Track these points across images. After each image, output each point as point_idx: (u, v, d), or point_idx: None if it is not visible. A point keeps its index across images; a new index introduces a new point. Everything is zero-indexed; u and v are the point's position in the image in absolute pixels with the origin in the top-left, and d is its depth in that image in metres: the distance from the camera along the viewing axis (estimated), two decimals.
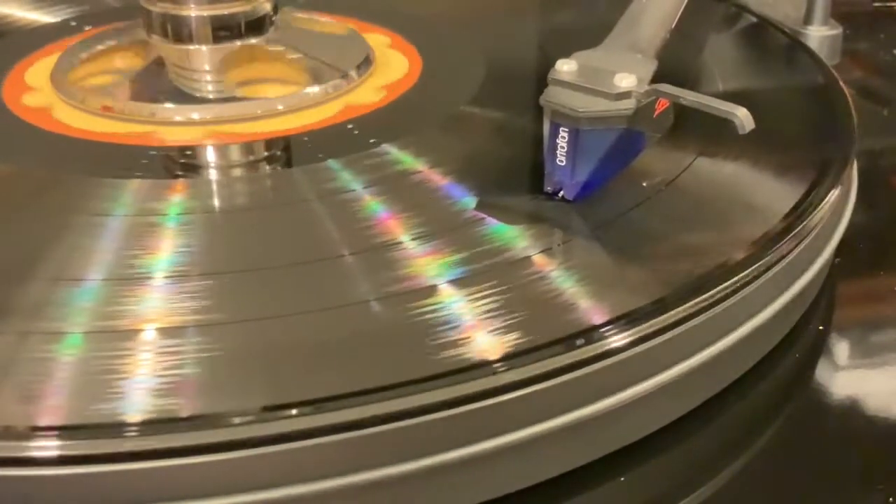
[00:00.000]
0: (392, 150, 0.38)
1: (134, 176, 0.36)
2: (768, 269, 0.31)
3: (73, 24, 0.51)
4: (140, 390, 0.26)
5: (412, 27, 0.49)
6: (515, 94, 0.43)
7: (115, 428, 0.25)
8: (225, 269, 0.31)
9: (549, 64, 0.34)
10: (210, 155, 0.39)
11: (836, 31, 0.54)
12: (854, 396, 0.33)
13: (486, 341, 0.27)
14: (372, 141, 0.38)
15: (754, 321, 0.31)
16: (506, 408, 0.27)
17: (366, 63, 0.45)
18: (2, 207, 0.35)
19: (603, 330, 0.28)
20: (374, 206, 0.34)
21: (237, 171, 0.40)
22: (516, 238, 0.32)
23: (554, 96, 0.33)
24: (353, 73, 0.44)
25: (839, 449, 0.31)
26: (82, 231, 0.33)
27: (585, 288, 0.29)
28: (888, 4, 0.63)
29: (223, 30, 0.43)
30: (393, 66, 0.46)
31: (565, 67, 0.34)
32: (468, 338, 0.28)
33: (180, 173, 0.38)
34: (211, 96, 0.43)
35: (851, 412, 0.32)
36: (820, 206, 0.34)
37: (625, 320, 0.28)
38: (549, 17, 0.54)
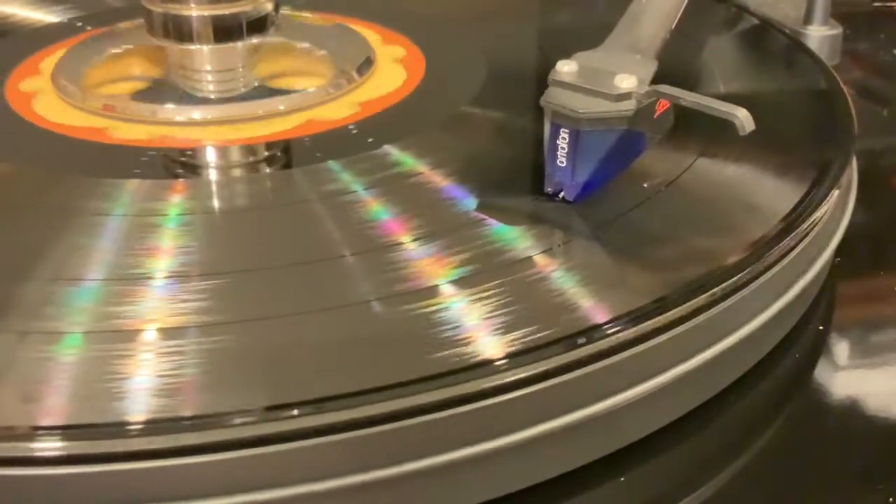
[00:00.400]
0: (393, 151, 0.38)
1: (134, 176, 0.36)
2: (768, 269, 0.31)
3: (80, 24, 0.51)
4: (139, 391, 0.26)
5: (412, 27, 0.49)
6: (516, 94, 0.43)
7: (116, 428, 0.25)
8: (225, 269, 0.31)
9: (550, 64, 0.34)
10: (210, 155, 0.40)
11: (836, 31, 0.54)
12: (854, 396, 0.33)
13: (486, 341, 0.28)
14: (371, 141, 0.38)
15: (754, 321, 0.31)
16: (506, 408, 0.27)
17: (366, 64, 0.45)
18: (2, 207, 0.35)
19: (603, 329, 0.28)
20: (375, 207, 0.34)
21: (237, 172, 0.40)
22: (517, 239, 0.32)
23: (554, 97, 0.33)
24: (353, 74, 0.44)
25: (839, 449, 0.31)
26: (82, 231, 0.33)
27: (586, 288, 0.30)
28: (888, 4, 0.63)
29: (224, 30, 0.43)
30: (393, 67, 0.46)
31: (566, 68, 0.34)
32: (469, 338, 0.28)
33: (180, 174, 0.38)
34: (212, 97, 0.43)
35: (851, 412, 0.32)
36: (820, 207, 0.34)
37: (625, 320, 0.28)
38: (550, 18, 0.54)
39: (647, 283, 0.30)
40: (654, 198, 0.34)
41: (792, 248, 0.32)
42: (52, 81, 0.44)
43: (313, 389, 0.26)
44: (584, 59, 0.34)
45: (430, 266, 0.31)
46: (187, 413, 0.25)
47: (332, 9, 0.51)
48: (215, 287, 0.30)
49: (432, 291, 0.30)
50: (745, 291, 0.31)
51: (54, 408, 0.26)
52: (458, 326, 0.28)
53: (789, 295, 0.33)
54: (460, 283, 0.30)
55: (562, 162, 0.33)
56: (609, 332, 0.28)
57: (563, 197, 0.34)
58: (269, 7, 0.45)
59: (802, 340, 0.35)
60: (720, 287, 0.30)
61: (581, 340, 0.27)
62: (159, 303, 0.29)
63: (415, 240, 0.32)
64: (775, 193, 0.35)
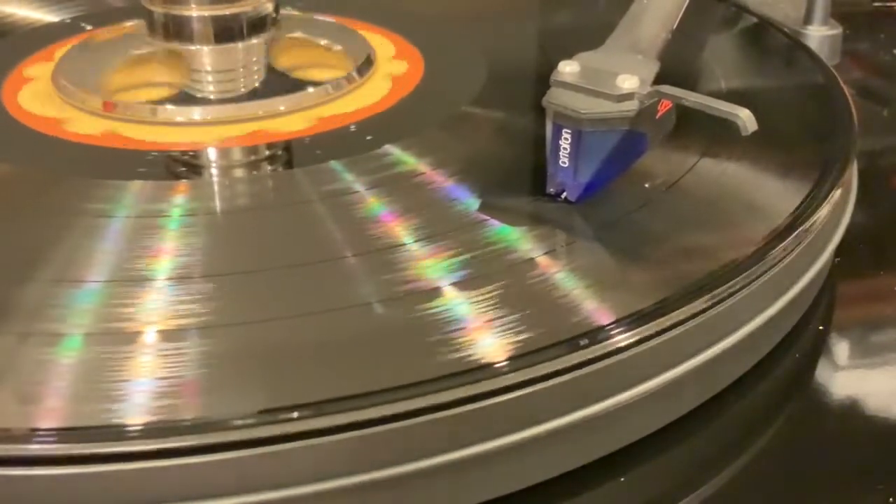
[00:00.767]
0: (394, 151, 0.38)
1: (135, 177, 0.36)
2: (769, 269, 0.31)
3: (84, 25, 0.51)
4: (140, 392, 0.26)
5: (413, 27, 0.49)
6: (517, 95, 0.43)
7: (116, 430, 0.25)
8: (226, 270, 0.31)
9: (551, 65, 0.34)
10: (212, 156, 0.40)
11: (836, 31, 0.54)
12: (854, 396, 0.33)
13: (487, 343, 0.28)
14: (372, 141, 0.38)
15: (755, 321, 0.32)
16: (507, 408, 0.27)
17: (366, 64, 0.45)
18: (3, 208, 0.35)
19: (605, 331, 0.28)
20: (377, 207, 0.34)
21: (239, 172, 0.40)
22: (519, 239, 0.32)
23: (556, 98, 0.33)
24: (354, 74, 0.44)
25: (839, 449, 0.31)
26: (83, 232, 0.33)
27: (588, 289, 0.30)
28: (888, 4, 0.63)
29: (225, 30, 0.43)
30: (394, 67, 0.46)
31: (567, 69, 0.34)
32: (469, 339, 0.28)
33: (182, 174, 0.38)
34: (213, 97, 0.43)
35: (851, 412, 0.33)
36: (820, 207, 0.34)
37: (627, 321, 0.28)
38: (551, 18, 0.54)
39: (649, 284, 0.30)
40: (656, 199, 0.34)
41: (792, 249, 0.32)
42: (52, 82, 0.44)
43: (314, 391, 0.26)
44: (585, 60, 0.34)
45: (432, 267, 0.31)
46: (189, 415, 0.25)
47: (332, 9, 0.51)
48: (215, 288, 0.30)
49: (434, 293, 0.30)
50: (745, 292, 0.31)
51: (54, 409, 0.26)
52: (459, 328, 0.28)
53: (789, 295, 0.33)
54: (462, 284, 0.30)
55: (564, 162, 0.33)
56: (611, 333, 0.28)
57: (565, 197, 0.34)
58: (270, 7, 0.45)
59: (802, 340, 0.35)
60: (721, 288, 0.30)
61: (583, 342, 0.27)
62: (160, 304, 0.29)
63: (416, 241, 0.32)
64: (776, 194, 0.35)
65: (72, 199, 0.35)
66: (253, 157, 0.40)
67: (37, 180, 0.37)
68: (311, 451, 0.25)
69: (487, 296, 0.29)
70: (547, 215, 0.34)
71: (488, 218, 0.33)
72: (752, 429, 0.32)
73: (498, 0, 0.55)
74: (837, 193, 0.35)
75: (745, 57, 0.49)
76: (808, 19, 0.54)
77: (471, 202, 0.34)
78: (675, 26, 0.39)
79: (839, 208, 0.36)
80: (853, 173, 0.39)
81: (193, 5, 0.43)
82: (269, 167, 0.39)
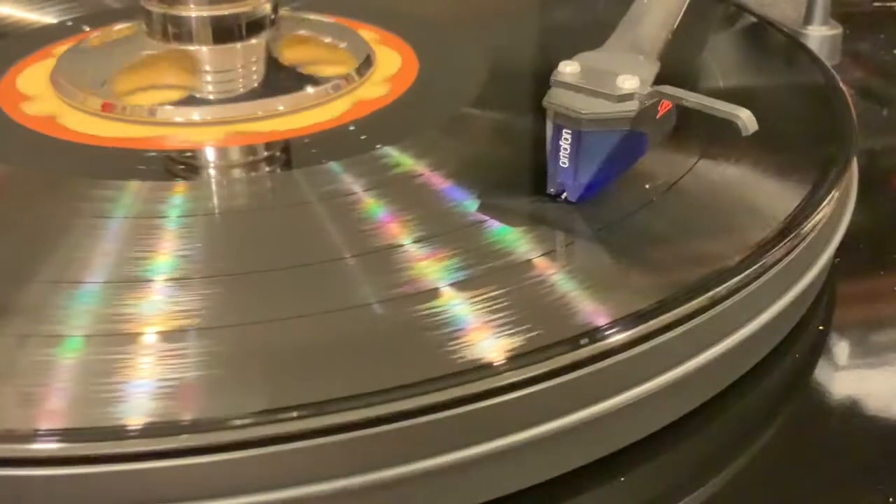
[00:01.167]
0: (393, 153, 0.38)
1: (134, 177, 0.36)
2: (768, 269, 0.31)
3: (86, 27, 0.51)
4: (140, 393, 0.26)
5: (413, 28, 0.49)
6: (517, 95, 0.43)
7: (116, 430, 0.25)
8: (226, 271, 0.31)
9: (551, 65, 0.34)
10: (210, 156, 0.40)
11: (836, 31, 0.54)
12: (854, 396, 0.33)
13: (488, 343, 0.28)
14: (371, 141, 0.38)
15: (755, 322, 0.32)
16: (507, 409, 0.27)
17: (366, 64, 0.45)
18: (2, 209, 0.35)
19: (605, 331, 0.28)
20: (376, 208, 0.34)
21: (238, 173, 0.40)
22: (519, 240, 0.32)
23: (556, 98, 0.33)
24: (353, 74, 0.44)
25: (839, 449, 0.31)
26: (82, 233, 0.33)
27: (588, 289, 0.30)
28: (888, 4, 0.63)
29: (223, 30, 0.43)
30: (393, 67, 0.46)
31: (568, 69, 0.34)
32: (469, 339, 0.28)
33: (181, 175, 0.38)
34: (212, 97, 0.43)
35: (851, 412, 0.33)
36: (820, 207, 0.34)
37: (627, 321, 0.28)
38: (551, 18, 0.54)
39: (649, 285, 0.30)
40: (656, 199, 0.34)
41: (792, 249, 0.32)
42: (50, 82, 0.44)
43: (314, 392, 0.26)
44: (586, 60, 0.34)
45: (432, 268, 0.31)
46: (188, 416, 0.25)
47: (331, 9, 0.51)
48: (216, 288, 0.30)
49: (433, 294, 0.30)
50: (745, 292, 0.31)
51: (53, 411, 0.26)
52: (459, 328, 0.28)
53: (789, 295, 0.33)
54: (462, 284, 0.30)
55: (564, 163, 0.33)
56: (611, 333, 0.28)
57: (565, 198, 0.34)
58: (268, 8, 0.45)
59: (802, 341, 0.35)
60: (721, 288, 0.30)
61: (583, 342, 0.27)
62: (160, 305, 0.29)
63: (416, 241, 0.32)
64: (776, 194, 0.35)
65: (71, 199, 0.35)
66: (252, 158, 0.40)
67: (35, 181, 0.37)
68: (312, 451, 0.25)
69: (487, 296, 0.29)
70: (547, 216, 0.34)
71: (489, 218, 0.33)
72: (752, 429, 0.32)
73: (498, 0, 0.55)
74: (837, 194, 0.35)
75: (745, 57, 0.49)
76: (808, 19, 0.54)
77: (471, 203, 0.34)
78: (675, 26, 0.39)
79: (839, 208, 0.36)
80: (853, 173, 0.39)
81: (192, 5, 0.43)
82: (267, 168, 0.39)
